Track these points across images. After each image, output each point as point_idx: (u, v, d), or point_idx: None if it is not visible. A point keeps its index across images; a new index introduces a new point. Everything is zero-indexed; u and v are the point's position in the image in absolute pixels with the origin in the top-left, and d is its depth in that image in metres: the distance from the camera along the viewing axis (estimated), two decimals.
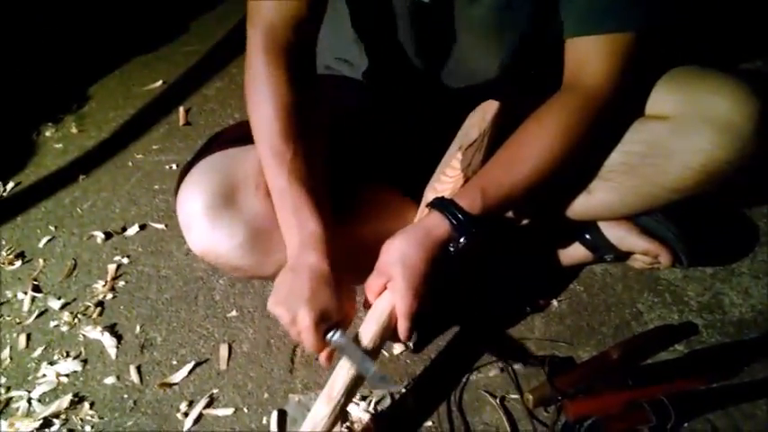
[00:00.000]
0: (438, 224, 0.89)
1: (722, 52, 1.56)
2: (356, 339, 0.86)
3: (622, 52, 0.89)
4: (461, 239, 0.88)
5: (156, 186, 1.52)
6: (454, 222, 0.88)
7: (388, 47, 1.06)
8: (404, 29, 1.02)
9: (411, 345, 1.09)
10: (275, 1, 0.89)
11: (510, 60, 1.02)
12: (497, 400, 0.99)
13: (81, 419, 1.05)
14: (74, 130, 1.74)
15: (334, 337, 0.83)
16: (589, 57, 0.90)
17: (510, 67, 1.03)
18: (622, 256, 1.12)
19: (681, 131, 0.93)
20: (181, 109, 1.74)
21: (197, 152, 1.05)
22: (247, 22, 0.91)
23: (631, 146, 0.97)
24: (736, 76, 0.93)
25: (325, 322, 0.82)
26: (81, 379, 1.12)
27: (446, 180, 0.99)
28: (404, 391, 1.03)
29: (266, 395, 1.05)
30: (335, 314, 0.83)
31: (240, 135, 0.96)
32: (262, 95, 0.88)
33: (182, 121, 1.71)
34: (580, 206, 1.05)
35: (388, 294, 0.89)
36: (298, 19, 0.90)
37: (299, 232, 0.86)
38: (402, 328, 0.87)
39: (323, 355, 0.84)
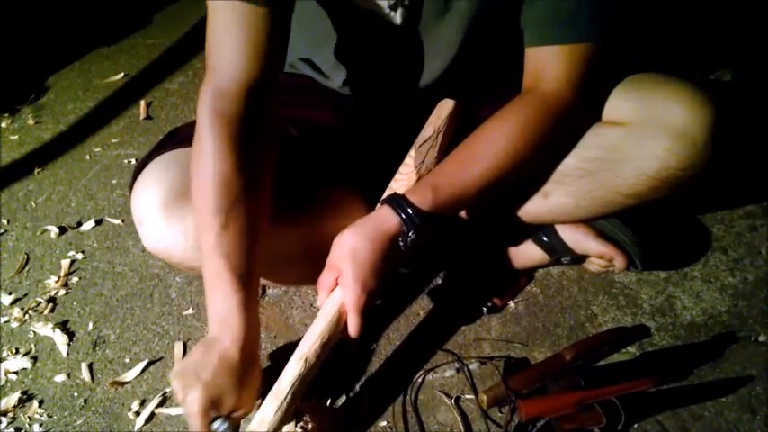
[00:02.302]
0: (387, 218, 0.90)
1: (685, 62, 1.58)
2: None
3: (580, 60, 0.91)
4: (410, 234, 0.89)
5: (114, 181, 1.49)
6: (403, 217, 0.89)
7: (356, 56, 1.06)
8: (374, 43, 1.03)
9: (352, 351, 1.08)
10: (227, 65, 0.86)
11: (471, 69, 1.04)
12: (452, 400, 1.00)
13: (29, 418, 1.03)
14: (30, 122, 1.69)
15: (220, 428, 0.81)
16: (548, 64, 0.92)
17: (473, 77, 1.05)
18: (579, 258, 1.14)
19: (636, 137, 0.94)
20: (142, 103, 1.71)
21: (154, 147, 1.03)
22: (203, 80, 0.89)
23: (588, 151, 0.98)
24: (693, 83, 0.94)
25: (216, 410, 0.81)
26: (30, 376, 1.09)
27: (400, 178, 1.00)
28: (358, 390, 1.03)
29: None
30: (230, 404, 0.82)
31: None
32: (202, 167, 0.85)
33: (142, 115, 1.68)
34: (536, 209, 1.06)
35: (339, 290, 0.89)
36: (250, 84, 0.86)
37: (218, 311, 0.84)
38: (351, 323, 0.88)
39: None
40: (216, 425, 0.81)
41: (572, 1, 0.87)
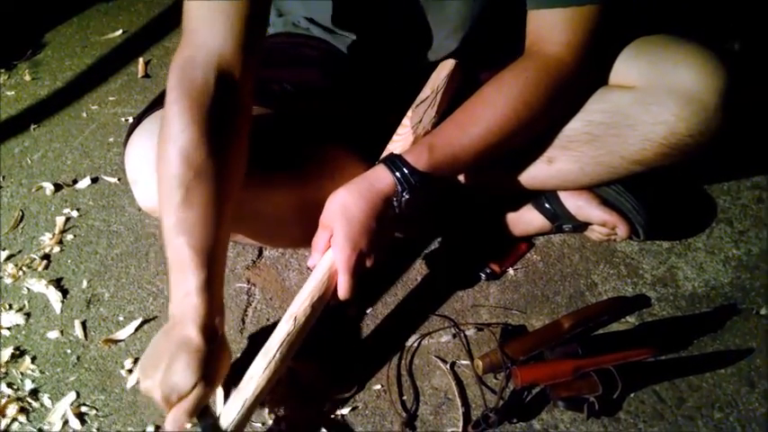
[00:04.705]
0: (381, 177, 0.88)
1: (696, 27, 1.55)
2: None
3: (583, 24, 0.88)
4: (404, 194, 0.87)
5: (111, 139, 1.46)
6: (398, 176, 0.87)
7: (362, 24, 1.04)
8: (380, 12, 1.01)
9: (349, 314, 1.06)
10: (202, 35, 0.82)
11: (475, 35, 1.02)
12: (447, 366, 0.99)
13: (21, 373, 1.02)
14: (27, 78, 1.66)
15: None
16: (549, 27, 0.90)
17: (474, 40, 1.03)
18: (580, 226, 1.12)
19: (644, 102, 0.92)
20: (140, 60, 1.68)
21: (149, 104, 1.02)
22: (179, 46, 0.85)
23: (594, 115, 0.96)
24: (704, 47, 0.91)
25: (178, 398, 0.76)
26: (23, 332, 1.08)
27: (397, 138, 0.99)
28: (353, 352, 1.02)
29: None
30: (193, 391, 0.77)
31: None
32: (165, 136, 0.81)
33: (140, 73, 1.65)
34: (541, 175, 1.04)
35: (330, 251, 0.87)
36: (224, 56, 0.82)
37: (179, 292, 0.80)
38: (341, 283, 0.86)
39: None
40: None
41: None
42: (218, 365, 0.80)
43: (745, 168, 1.26)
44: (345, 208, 0.87)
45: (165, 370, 0.76)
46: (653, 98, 0.91)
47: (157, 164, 0.82)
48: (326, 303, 0.89)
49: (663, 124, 0.91)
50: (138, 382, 0.83)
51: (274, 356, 0.83)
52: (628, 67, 0.96)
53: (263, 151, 0.91)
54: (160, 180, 0.81)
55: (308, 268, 0.92)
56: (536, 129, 0.96)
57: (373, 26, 1.04)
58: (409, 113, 1.02)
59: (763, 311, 1.04)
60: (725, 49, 0.99)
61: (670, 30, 0.99)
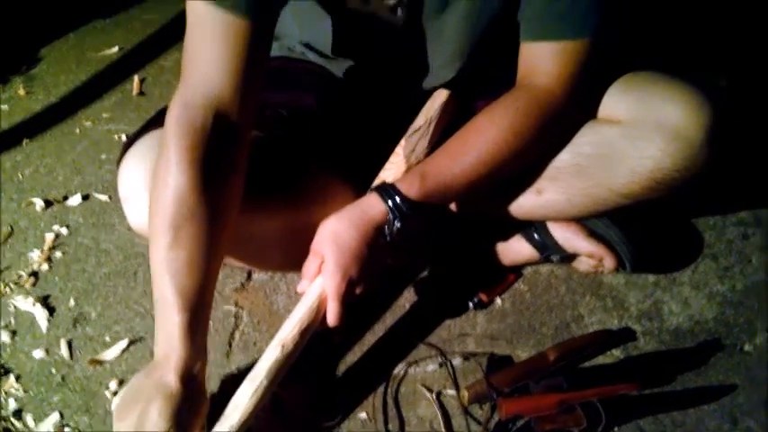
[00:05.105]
0: (373, 205, 0.89)
1: (683, 63, 1.58)
2: None
3: (574, 57, 0.90)
4: (396, 222, 0.88)
5: (104, 156, 1.47)
6: (390, 204, 0.88)
7: (357, 52, 1.05)
8: (375, 42, 1.02)
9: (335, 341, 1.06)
10: (200, 78, 0.83)
11: (471, 65, 1.03)
12: (433, 395, 0.99)
13: (5, 392, 1.01)
14: (21, 92, 1.66)
15: None
16: (541, 60, 0.92)
17: (469, 70, 1.04)
18: (568, 257, 1.13)
19: (632, 136, 0.94)
20: (135, 78, 1.68)
21: (145, 123, 1.02)
22: (177, 87, 0.86)
23: (582, 147, 0.97)
24: (691, 83, 0.93)
25: None
26: (8, 350, 1.08)
27: (389, 166, 1.00)
28: (339, 379, 1.02)
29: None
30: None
31: None
32: (160, 177, 0.82)
33: (135, 91, 1.65)
34: (529, 205, 1.05)
35: (320, 277, 0.88)
36: (222, 100, 0.83)
37: (161, 334, 0.81)
38: (330, 310, 0.87)
39: None
40: None
41: None
42: (193, 413, 0.80)
43: (730, 204, 1.28)
44: (337, 235, 0.88)
45: (138, 415, 0.76)
46: (640, 133, 0.93)
47: (151, 201, 0.83)
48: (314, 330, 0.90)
49: (649, 159, 0.92)
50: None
51: (261, 383, 0.83)
52: (616, 102, 0.98)
53: (257, 175, 0.92)
54: (152, 217, 0.82)
55: (297, 293, 0.93)
56: (526, 159, 0.97)
57: (369, 54, 1.06)
58: (402, 142, 1.03)
59: (746, 348, 1.06)
60: (711, 85, 1.01)
61: (660, 65, 1.01)
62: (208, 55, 0.83)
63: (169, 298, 0.80)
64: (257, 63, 0.86)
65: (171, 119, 0.84)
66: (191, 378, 0.80)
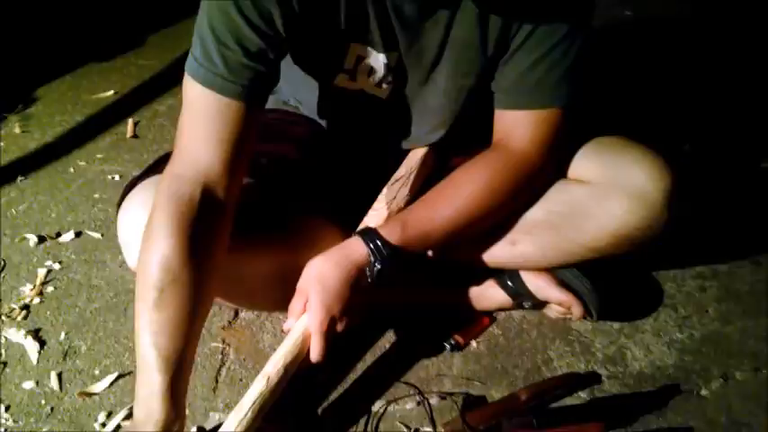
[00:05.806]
0: (356, 248, 0.95)
1: (646, 128, 1.68)
2: None
3: (546, 123, 0.99)
4: (377, 264, 0.95)
5: (96, 195, 1.51)
6: (372, 247, 0.95)
7: (343, 119, 1.14)
8: (360, 112, 1.09)
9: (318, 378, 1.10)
10: (191, 153, 0.90)
11: (452, 131, 1.12)
12: None
13: None
14: (17, 131, 1.71)
15: None
16: (517, 126, 1.00)
17: (451, 134, 1.12)
18: (539, 304, 1.20)
19: (599, 196, 1.03)
20: (129, 121, 1.74)
21: (146, 168, 1.08)
22: (170, 159, 0.92)
23: (554, 205, 1.06)
24: (654, 150, 1.04)
25: None
26: None
27: (372, 213, 1.07)
28: (321, 416, 1.06)
29: (187, 411, 1.05)
30: None
31: None
32: (148, 242, 0.88)
33: (129, 134, 1.71)
34: (504, 255, 1.12)
35: (305, 315, 0.93)
36: (210, 175, 0.89)
37: (142, 394, 0.84)
38: (314, 345, 0.92)
39: None
40: None
41: (540, 71, 0.96)
42: None
43: (690, 259, 1.36)
44: (321, 275, 0.94)
45: None
46: (607, 194, 1.02)
47: (138, 264, 0.89)
48: (298, 366, 0.95)
49: (615, 218, 1.01)
50: None
51: (246, 414, 0.87)
52: (586, 164, 1.07)
53: (246, 219, 0.98)
54: (138, 278, 0.88)
55: (283, 332, 0.98)
56: (501, 214, 1.05)
57: (355, 120, 1.14)
58: (384, 190, 1.11)
59: (703, 392, 1.12)
60: (674, 151, 1.11)
61: (627, 131, 1.11)
62: (200, 133, 0.90)
63: (151, 358, 0.83)
64: (246, 140, 0.92)
65: (162, 188, 0.90)
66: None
